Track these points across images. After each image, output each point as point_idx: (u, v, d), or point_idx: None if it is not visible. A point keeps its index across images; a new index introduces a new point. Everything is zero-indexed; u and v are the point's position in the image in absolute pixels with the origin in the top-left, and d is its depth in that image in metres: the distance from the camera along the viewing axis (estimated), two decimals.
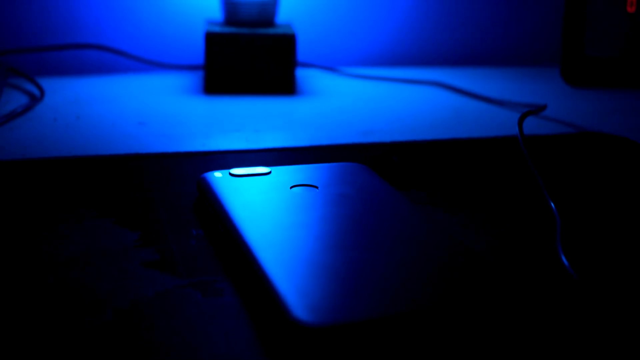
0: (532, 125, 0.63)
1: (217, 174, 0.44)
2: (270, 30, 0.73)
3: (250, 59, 0.72)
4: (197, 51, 0.83)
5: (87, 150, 0.53)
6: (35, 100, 0.65)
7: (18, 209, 0.42)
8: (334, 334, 0.28)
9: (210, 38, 0.71)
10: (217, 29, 0.72)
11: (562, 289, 0.35)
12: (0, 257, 0.36)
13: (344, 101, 0.70)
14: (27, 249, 0.37)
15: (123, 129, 0.59)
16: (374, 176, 0.44)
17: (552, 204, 0.43)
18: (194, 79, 0.77)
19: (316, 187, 0.42)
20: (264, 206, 0.39)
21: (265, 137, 0.58)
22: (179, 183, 0.47)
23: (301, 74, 0.81)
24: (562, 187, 0.48)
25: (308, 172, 0.45)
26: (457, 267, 0.33)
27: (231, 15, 0.75)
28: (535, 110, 0.61)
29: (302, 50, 0.85)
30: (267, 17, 0.75)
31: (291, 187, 0.42)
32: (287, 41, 0.72)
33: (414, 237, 0.36)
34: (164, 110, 0.65)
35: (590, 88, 0.77)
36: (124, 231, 0.40)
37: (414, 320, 0.29)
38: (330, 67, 0.83)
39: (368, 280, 0.32)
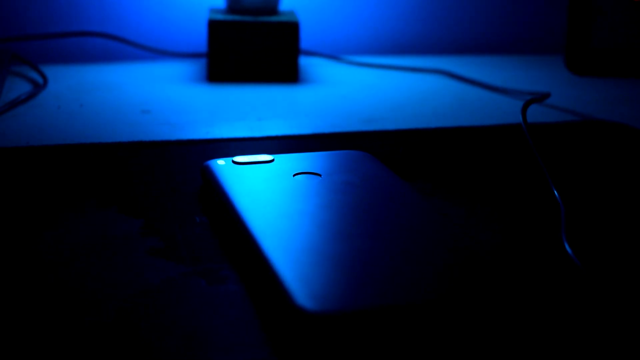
0: (536, 114, 0.63)
1: (221, 161, 0.44)
2: (274, 18, 0.72)
3: (253, 47, 0.72)
4: (200, 39, 0.83)
5: (90, 138, 0.53)
6: (38, 87, 0.65)
7: (21, 196, 0.42)
8: (337, 322, 0.29)
9: (214, 26, 0.71)
10: (220, 16, 0.72)
11: (566, 279, 0.35)
12: (4, 244, 0.36)
13: (348, 89, 0.70)
14: (31, 237, 0.37)
15: (126, 117, 0.59)
16: (377, 164, 0.44)
17: (556, 192, 0.43)
18: (197, 67, 0.77)
19: (319, 175, 0.42)
20: (267, 194, 0.39)
21: (268, 125, 0.58)
22: (183, 171, 0.47)
23: (304, 62, 0.81)
24: (566, 175, 0.48)
25: (311, 160, 0.45)
26: (462, 258, 0.33)
27: (234, 2, 0.74)
28: (539, 98, 0.61)
29: (306, 39, 0.85)
30: (270, 5, 0.75)
31: (294, 175, 0.42)
32: (291, 29, 0.72)
33: (418, 226, 0.36)
34: (167, 98, 0.65)
35: (595, 77, 0.77)
36: (128, 219, 0.40)
37: (418, 310, 0.29)
38: (333, 56, 0.83)
39: (372, 269, 0.32)
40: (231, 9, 0.75)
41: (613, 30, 0.77)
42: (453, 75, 0.76)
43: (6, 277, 0.33)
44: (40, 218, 0.39)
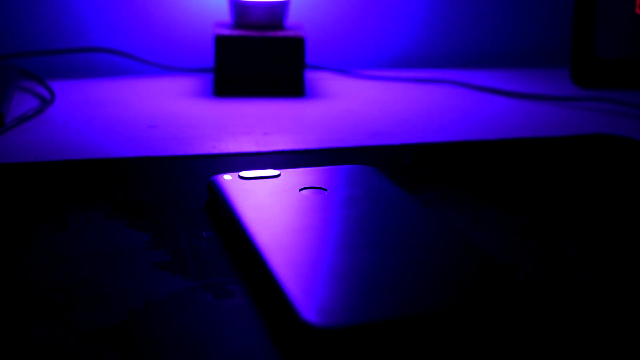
0: (542, 127, 0.63)
1: (227, 176, 0.44)
2: (280, 33, 0.73)
3: (259, 62, 0.72)
4: (206, 54, 0.83)
5: (98, 153, 0.53)
6: (46, 103, 0.66)
7: (30, 211, 0.42)
8: (343, 336, 0.29)
9: (220, 41, 0.71)
10: (226, 31, 0.73)
11: (573, 292, 0.35)
12: (11, 257, 0.37)
13: (354, 103, 0.71)
14: (39, 251, 0.38)
15: (133, 132, 0.59)
16: (382, 178, 0.45)
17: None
18: (203, 82, 0.77)
19: (325, 190, 0.42)
20: (273, 209, 0.40)
21: (274, 139, 0.58)
22: (189, 185, 0.47)
23: (311, 76, 0.81)
24: (573, 190, 0.49)
25: (317, 174, 0.45)
26: (468, 270, 0.33)
27: (240, 18, 0.75)
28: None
29: (312, 53, 0.85)
30: (276, 20, 0.75)
31: (300, 190, 0.42)
32: (297, 44, 0.72)
33: (424, 239, 0.36)
34: (174, 113, 0.65)
35: (600, 90, 0.77)
36: (135, 233, 0.40)
37: (425, 323, 0.30)
38: (339, 69, 0.84)
39: (377, 283, 0.32)
40: (237, 24, 0.75)
41: (617, 42, 0.77)
42: (460, 83, 0.76)
43: (7, 285, 0.34)
44: (47, 233, 0.40)
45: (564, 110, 0.69)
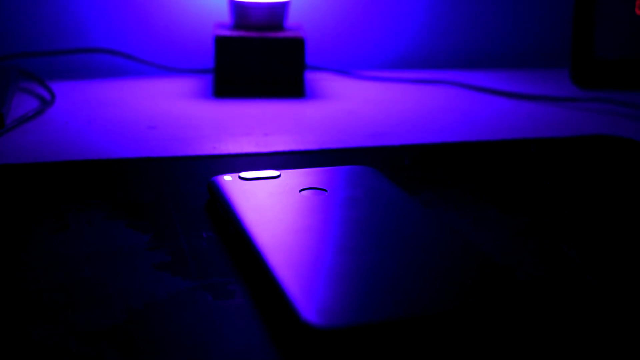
0: (542, 128, 0.63)
1: (227, 177, 0.44)
2: (280, 34, 0.73)
3: (259, 63, 0.72)
4: (206, 55, 0.83)
5: (98, 154, 0.53)
6: (46, 104, 0.66)
7: (30, 211, 0.42)
8: (343, 337, 0.29)
9: (220, 42, 0.71)
10: (226, 32, 0.73)
11: (573, 292, 0.35)
12: (11, 257, 0.37)
13: (354, 104, 0.71)
14: (39, 251, 0.38)
15: (133, 132, 0.59)
16: (383, 179, 0.45)
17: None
18: (203, 82, 0.77)
19: (325, 191, 0.42)
20: (274, 209, 0.40)
21: (274, 140, 0.58)
22: (189, 186, 0.47)
23: (310, 77, 0.81)
24: (573, 190, 0.49)
25: (317, 175, 0.45)
26: (468, 270, 0.33)
27: (240, 18, 0.75)
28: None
29: (312, 53, 0.85)
30: (276, 21, 0.75)
31: (300, 191, 0.42)
32: (297, 44, 0.72)
33: (424, 240, 0.36)
34: (173, 114, 0.65)
35: (600, 90, 0.77)
36: (135, 233, 0.40)
37: (424, 324, 0.30)
38: (339, 70, 0.84)
39: (377, 283, 0.32)
40: (237, 25, 0.75)
41: (617, 43, 0.77)
42: (460, 84, 0.77)
43: (7, 285, 0.34)
44: (47, 233, 0.40)
45: (564, 111, 0.69)
